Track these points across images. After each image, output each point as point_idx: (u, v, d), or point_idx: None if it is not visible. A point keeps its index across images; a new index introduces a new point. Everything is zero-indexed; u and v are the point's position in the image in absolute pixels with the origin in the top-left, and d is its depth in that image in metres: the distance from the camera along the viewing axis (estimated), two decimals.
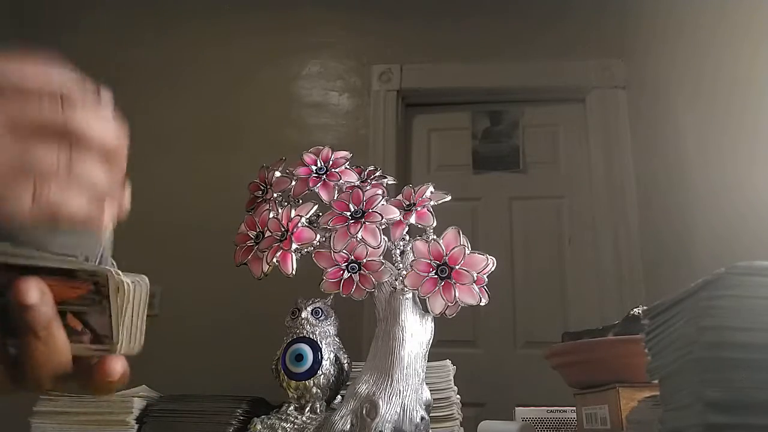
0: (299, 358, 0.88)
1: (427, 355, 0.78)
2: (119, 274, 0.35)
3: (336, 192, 0.80)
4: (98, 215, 0.34)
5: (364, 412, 0.73)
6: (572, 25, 2.54)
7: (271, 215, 0.78)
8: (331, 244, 0.75)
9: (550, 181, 2.54)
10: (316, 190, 0.80)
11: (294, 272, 0.74)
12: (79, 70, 0.35)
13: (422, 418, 0.75)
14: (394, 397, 0.74)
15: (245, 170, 0.93)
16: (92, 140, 0.34)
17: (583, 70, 2.54)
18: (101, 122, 0.34)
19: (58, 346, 0.33)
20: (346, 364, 0.92)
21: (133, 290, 0.35)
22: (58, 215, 0.33)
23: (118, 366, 0.35)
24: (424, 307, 0.77)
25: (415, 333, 0.76)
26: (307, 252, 0.77)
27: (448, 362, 1.00)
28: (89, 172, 0.33)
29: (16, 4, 2.72)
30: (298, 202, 0.82)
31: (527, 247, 2.45)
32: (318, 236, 0.76)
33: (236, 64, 2.64)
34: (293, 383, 0.88)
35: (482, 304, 0.73)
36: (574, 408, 0.97)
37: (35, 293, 0.32)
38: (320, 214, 0.79)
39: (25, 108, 0.32)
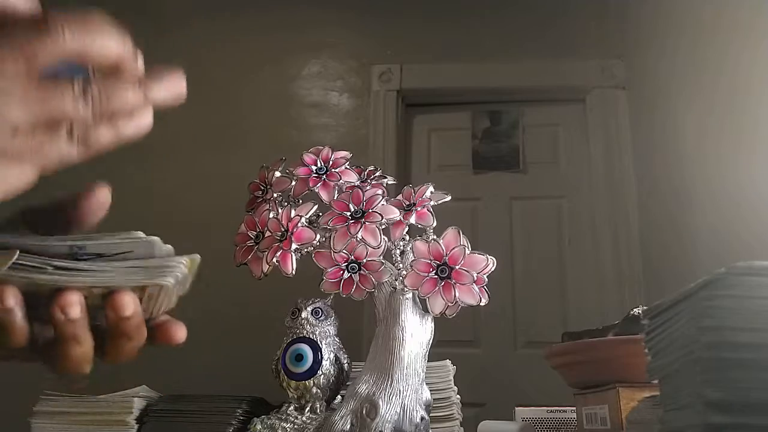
0: (299, 358, 0.88)
1: (427, 355, 0.78)
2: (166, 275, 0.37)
3: (336, 192, 0.80)
4: (131, 134, 0.36)
5: (364, 412, 0.73)
6: (572, 25, 2.54)
7: (271, 215, 0.77)
8: (331, 244, 0.75)
9: (550, 181, 2.53)
10: (316, 190, 0.80)
11: (294, 272, 0.74)
12: None
13: (422, 418, 0.75)
14: (394, 397, 0.74)
15: (245, 170, 0.93)
16: (99, 63, 0.34)
17: (583, 70, 2.54)
18: (100, 41, 0.34)
19: (90, 344, 0.36)
20: (346, 364, 0.92)
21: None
22: (98, 150, 0.34)
23: (181, 332, 0.39)
24: (424, 307, 0.77)
25: (415, 333, 0.76)
26: (307, 252, 0.77)
27: (448, 362, 0.99)
28: (111, 98, 0.34)
29: None
30: (298, 202, 0.81)
31: (527, 247, 2.45)
32: (318, 236, 0.76)
33: (236, 64, 2.64)
34: (293, 383, 0.88)
35: (482, 304, 0.73)
36: (574, 408, 0.97)
37: (77, 308, 0.34)
38: (320, 214, 0.79)
39: (36, 46, 0.31)
